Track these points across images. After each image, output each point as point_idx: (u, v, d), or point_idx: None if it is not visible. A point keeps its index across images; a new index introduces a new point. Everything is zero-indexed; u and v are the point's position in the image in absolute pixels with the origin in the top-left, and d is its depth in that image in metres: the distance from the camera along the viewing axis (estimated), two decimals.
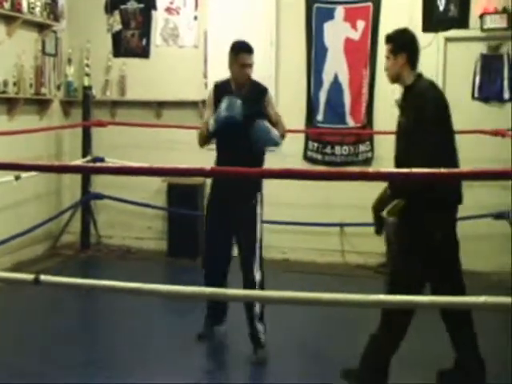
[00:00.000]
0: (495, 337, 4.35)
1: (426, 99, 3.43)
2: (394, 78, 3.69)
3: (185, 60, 6.63)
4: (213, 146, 4.20)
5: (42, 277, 2.32)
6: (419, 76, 3.64)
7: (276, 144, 4.09)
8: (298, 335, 4.48)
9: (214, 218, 4.17)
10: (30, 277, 2.34)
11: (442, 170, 2.10)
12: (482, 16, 5.82)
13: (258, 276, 4.02)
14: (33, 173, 5.38)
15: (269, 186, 5.97)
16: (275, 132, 4.02)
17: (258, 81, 4.21)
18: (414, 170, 2.31)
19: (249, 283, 4.00)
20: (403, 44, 3.64)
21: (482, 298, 2.04)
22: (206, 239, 4.29)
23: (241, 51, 4.11)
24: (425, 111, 3.35)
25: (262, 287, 4.01)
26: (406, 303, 2.54)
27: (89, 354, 4.14)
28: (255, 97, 4.09)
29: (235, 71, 4.08)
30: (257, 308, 4.02)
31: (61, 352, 4.09)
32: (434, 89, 3.56)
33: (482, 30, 5.84)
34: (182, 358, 4.05)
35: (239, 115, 3.87)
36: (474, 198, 5.82)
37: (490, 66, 5.93)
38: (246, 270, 4.06)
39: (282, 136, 4.14)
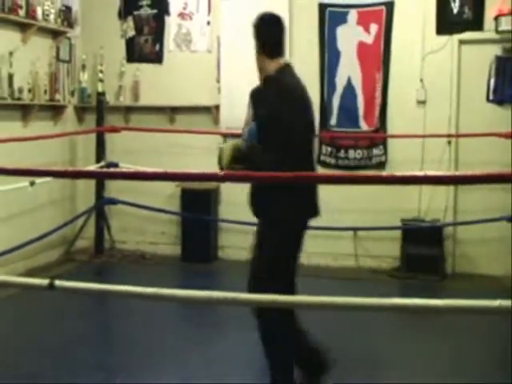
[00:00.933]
0: (495, 337, 4.34)
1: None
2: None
3: (198, 65, 6.65)
4: None
5: (57, 282, 2.33)
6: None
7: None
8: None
9: None
10: (44, 282, 2.35)
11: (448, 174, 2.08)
12: (496, 18, 5.77)
13: None
14: (47, 178, 5.41)
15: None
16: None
17: None
18: (429, 173, 2.30)
19: None
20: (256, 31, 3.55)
21: (496, 302, 2.02)
22: None
23: None
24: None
25: None
26: (416, 306, 2.52)
27: (103, 357, 4.15)
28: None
29: None
30: None
31: (75, 355, 4.10)
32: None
33: (497, 31, 5.79)
34: (195, 362, 4.05)
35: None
36: (486, 201, 5.82)
37: (504, 68, 5.88)
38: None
39: None
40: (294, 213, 3.17)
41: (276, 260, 3.22)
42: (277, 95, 3.12)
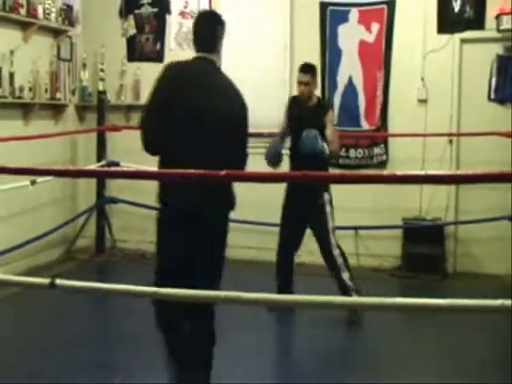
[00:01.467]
0: (495, 337, 4.33)
1: None
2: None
3: None
4: None
5: (58, 281, 2.33)
6: None
7: (321, 153, 4.49)
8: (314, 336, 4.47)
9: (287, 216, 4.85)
10: (45, 281, 2.35)
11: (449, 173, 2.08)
12: (498, 17, 5.76)
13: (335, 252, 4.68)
14: (48, 177, 5.41)
15: (284, 189, 6.00)
16: (323, 143, 4.50)
17: (324, 100, 4.92)
18: (430, 172, 2.30)
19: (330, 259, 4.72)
20: None
21: (498, 301, 2.01)
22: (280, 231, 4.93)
23: (299, 70, 4.86)
24: None
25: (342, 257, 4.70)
26: (417, 306, 2.51)
27: (103, 356, 4.14)
28: (319, 111, 4.73)
29: (297, 87, 4.87)
30: (338, 262, 4.67)
31: (75, 354, 4.10)
32: None
33: (498, 30, 5.78)
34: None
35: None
36: (488, 200, 5.81)
37: (506, 67, 5.87)
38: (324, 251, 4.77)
39: (332, 152, 4.65)
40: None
41: None
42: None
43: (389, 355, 4.27)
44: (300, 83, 4.81)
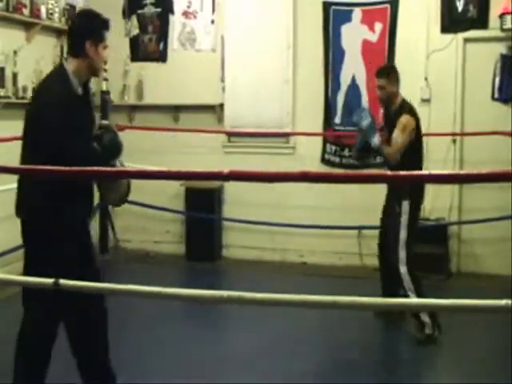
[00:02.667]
0: (495, 337, 4.33)
1: None
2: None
3: (202, 64, 6.64)
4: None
5: (61, 281, 2.33)
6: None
7: (365, 133, 4.41)
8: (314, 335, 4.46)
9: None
10: (49, 281, 2.35)
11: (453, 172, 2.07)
12: (501, 16, 5.75)
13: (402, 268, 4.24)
14: None
15: (286, 189, 6.01)
16: (374, 132, 4.40)
17: (406, 102, 4.63)
18: (433, 172, 2.29)
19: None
20: None
21: (503, 302, 2.01)
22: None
23: (375, 75, 4.68)
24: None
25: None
26: (421, 305, 2.51)
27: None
28: (396, 116, 4.48)
29: None
30: (405, 280, 4.19)
31: None
32: None
33: (502, 30, 5.78)
34: (195, 361, 4.05)
35: (365, 122, 4.40)
36: (491, 199, 5.79)
37: (509, 66, 5.86)
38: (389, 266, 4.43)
39: (388, 156, 4.38)
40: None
41: None
42: None
43: (389, 354, 4.27)
44: (377, 88, 4.66)
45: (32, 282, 2.67)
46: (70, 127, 2.97)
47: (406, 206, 4.27)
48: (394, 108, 4.55)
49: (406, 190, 4.29)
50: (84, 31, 3.19)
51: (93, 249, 3.28)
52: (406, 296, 4.12)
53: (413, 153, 4.37)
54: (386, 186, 4.60)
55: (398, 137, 4.34)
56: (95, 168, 2.56)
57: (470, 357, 4.02)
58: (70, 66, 3.12)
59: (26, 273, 3.14)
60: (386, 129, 4.57)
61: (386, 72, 4.61)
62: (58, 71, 3.20)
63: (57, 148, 2.96)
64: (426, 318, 4.14)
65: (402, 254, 4.23)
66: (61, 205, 3.05)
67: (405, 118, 4.40)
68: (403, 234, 4.24)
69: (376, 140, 4.35)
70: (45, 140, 3.04)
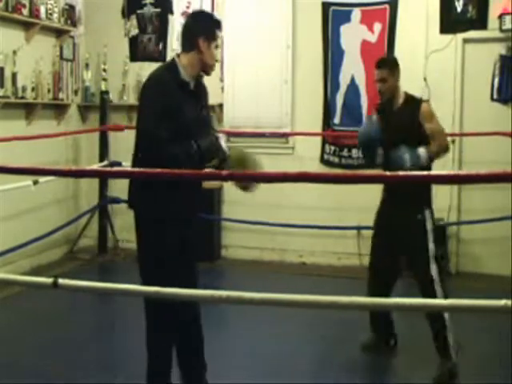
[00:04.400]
0: (495, 337, 4.33)
1: None
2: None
3: None
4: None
5: (61, 280, 2.33)
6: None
7: (416, 165, 3.74)
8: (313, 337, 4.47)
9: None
10: (48, 280, 2.35)
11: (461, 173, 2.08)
12: (500, 16, 5.75)
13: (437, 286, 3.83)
14: (51, 177, 5.41)
15: (285, 189, 6.01)
16: (416, 152, 3.76)
17: (412, 94, 4.07)
18: (432, 172, 2.29)
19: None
20: None
21: (502, 302, 2.01)
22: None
23: (375, 66, 4.04)
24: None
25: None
26: (421, 305, 2.51)
27: (103, 357, 4.15)
28: (406, 111, 3.95)
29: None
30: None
31: (75, 354, 4.12)
32: None
33: (501, 30, 5.78)
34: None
35: (374, 133, 3.99)
36: (490, 200, 5.80)
37: (509, 67, 5.86)
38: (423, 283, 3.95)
39: (438, 153, 3.88)
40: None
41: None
42: None
43: (388, 354, 4.26)
44: (376, 82, 3.99)
45: (32, 282, 2.67)
46: (159, 109, 3.05)
47: (428, 214, 3.92)
48: (398, 105, 3.99)
49: (428, 196, 3.95)
50: (198, 28, 3.19)
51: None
52: (442, 321, 3.74)
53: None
54: (388, 193, 4.10)
55: (435, 126, 3.90)
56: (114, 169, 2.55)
57: (469, 357, 4.01)
58: (182, 59, 3.19)
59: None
60: (385, 128, 4.02)
61: (388, 63, 4.05)
62: (168, 63, 3.29)
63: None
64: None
65: (434, 269, 3.85)
66: (165, 197, 3.15)
67: (426, 107, 3.97)
68: (432, 245, 3.88)
69: (423, 154, 3.79)
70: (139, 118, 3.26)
